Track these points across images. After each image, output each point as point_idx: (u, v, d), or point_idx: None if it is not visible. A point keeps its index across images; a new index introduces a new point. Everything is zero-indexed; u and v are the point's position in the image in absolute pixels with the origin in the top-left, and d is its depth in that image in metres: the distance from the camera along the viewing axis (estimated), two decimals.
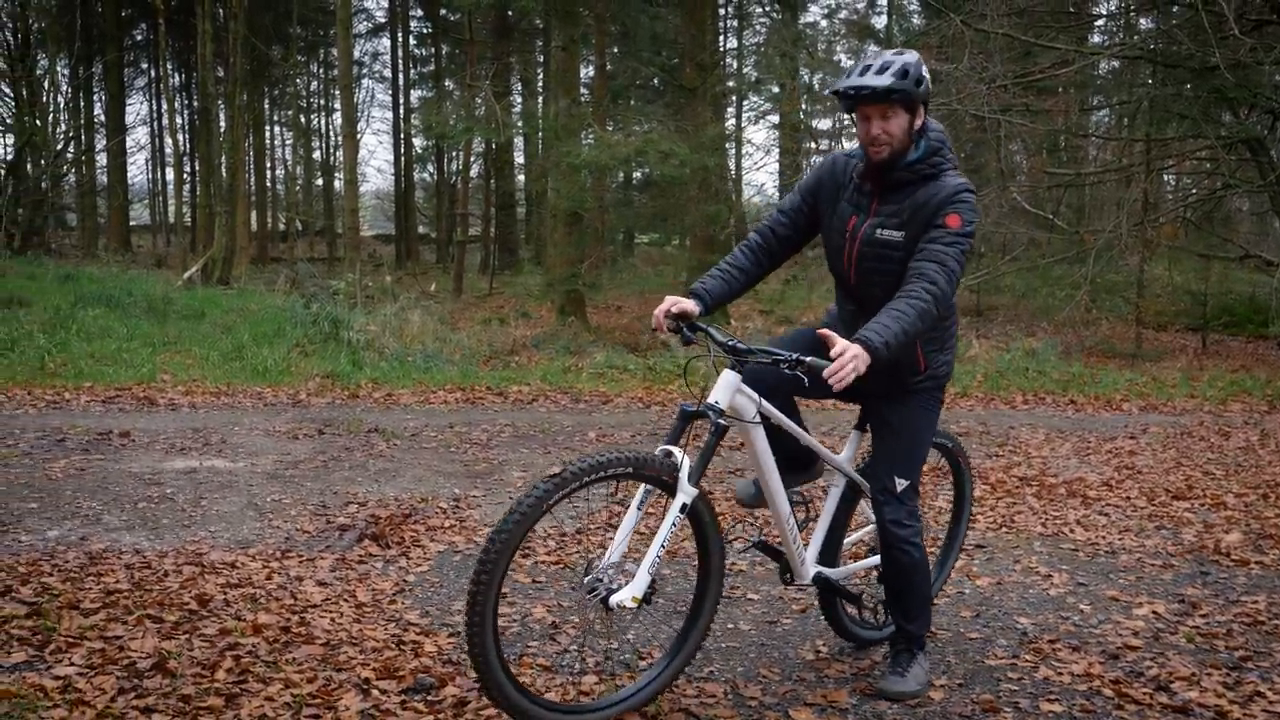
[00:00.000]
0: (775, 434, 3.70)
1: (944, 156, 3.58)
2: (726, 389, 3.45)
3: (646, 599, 3.32)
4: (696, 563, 3.67)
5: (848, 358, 3.20)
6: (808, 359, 3.33)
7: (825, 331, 3.31)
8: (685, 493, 3.37)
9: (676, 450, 3.39)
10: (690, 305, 3.60)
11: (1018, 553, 5.67)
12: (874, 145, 3.51)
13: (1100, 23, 20.20)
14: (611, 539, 3.43)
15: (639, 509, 3.39)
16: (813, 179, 3.82)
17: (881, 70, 3.43)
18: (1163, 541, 5.92)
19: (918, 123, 3.53)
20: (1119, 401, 11.62)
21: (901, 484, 3.73)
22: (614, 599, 3.27)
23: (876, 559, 4.19)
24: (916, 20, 25.18)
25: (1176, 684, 3.89)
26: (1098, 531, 6.11)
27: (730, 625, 4.49)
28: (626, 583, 3.31)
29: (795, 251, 3.89)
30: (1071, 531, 6.11)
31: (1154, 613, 4.72)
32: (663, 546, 3.36)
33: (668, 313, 3.56)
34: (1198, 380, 13.44)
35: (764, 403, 3.55)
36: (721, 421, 3.41)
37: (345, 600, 4.58)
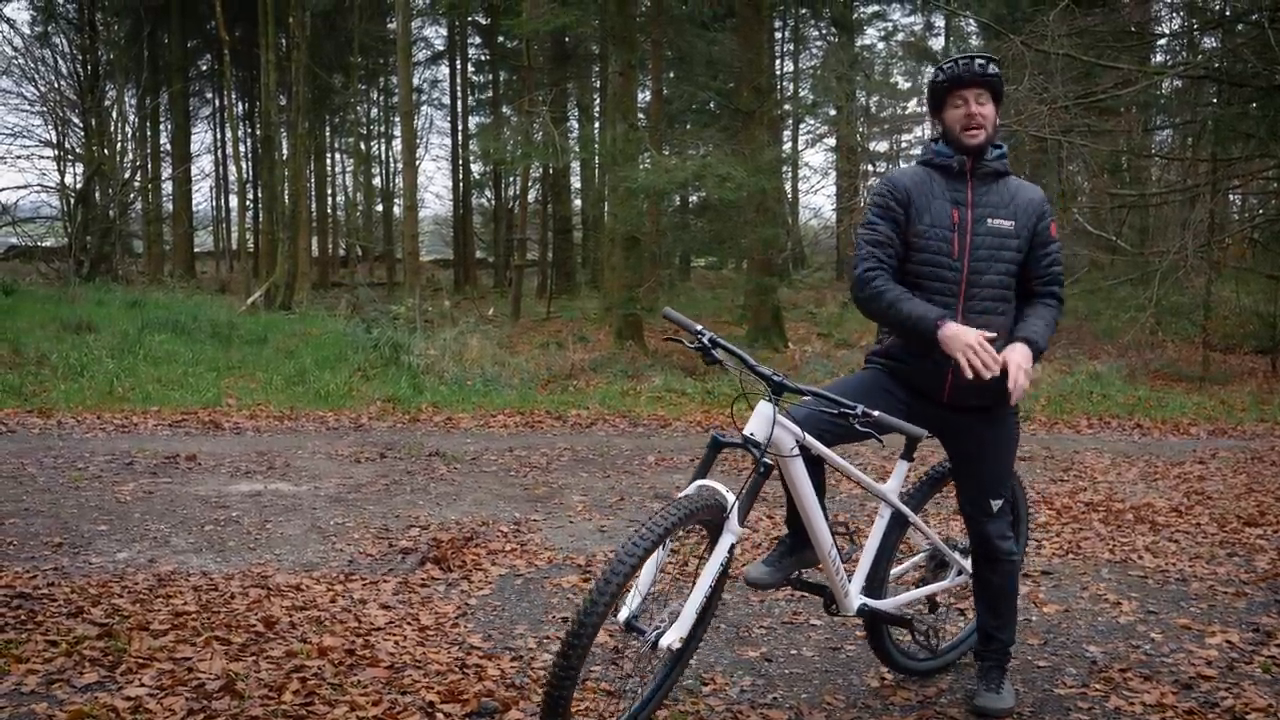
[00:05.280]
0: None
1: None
2: (763, 421, 3.33)
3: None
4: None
5: (1016, 366, 3.39)
6: (875, 413, 3.25)
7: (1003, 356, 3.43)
8: (733, 533, 3.29)
9: (724, 490, 3.30)
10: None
11: (1085, 579, 5.57)
12: (971, 128, 3.57)
13: (1163, 42, 19.97)
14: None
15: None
16: (898, 194, 3.63)
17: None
18: (1235, 569, 5.79)
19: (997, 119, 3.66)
20: (1186, 425, 11.40)
21: (997, 503, 3.78)
22: (663, 641, 3.18)
23: (927, 589, 4.16)
24: (975, 41, 25.03)
25: (1252, 715, 3.80)
26: (1167, 558, 5.99)
27: (794, 652, 4.46)
28: (670, 622, 3.22)
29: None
30: (1140, 558, 5.99)
31: (1228, 642, 4.61)
32: (710, 586, 3.27)
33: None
34: (1268, 404, 13.17)
35: (803, 434, 3.42)
36: (767, 460, 3.30)
37: (409, 623, 4.60)
